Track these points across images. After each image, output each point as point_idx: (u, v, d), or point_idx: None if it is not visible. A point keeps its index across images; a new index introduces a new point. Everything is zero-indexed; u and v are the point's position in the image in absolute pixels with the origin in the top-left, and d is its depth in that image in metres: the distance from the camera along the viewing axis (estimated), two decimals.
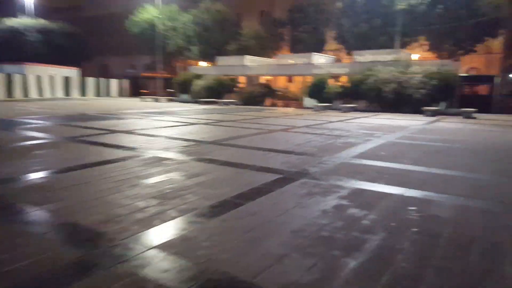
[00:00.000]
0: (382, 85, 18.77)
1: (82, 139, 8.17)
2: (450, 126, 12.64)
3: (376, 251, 2.81)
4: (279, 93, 26.66)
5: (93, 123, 11.65)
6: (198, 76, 26.73)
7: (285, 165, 5.84)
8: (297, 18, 28.16)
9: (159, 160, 6.00)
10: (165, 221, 3.30)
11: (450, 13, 20.95)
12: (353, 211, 3.78)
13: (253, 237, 3.02)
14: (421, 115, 17.00)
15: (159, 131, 9.96)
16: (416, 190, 4.53)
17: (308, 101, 22.37)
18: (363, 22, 22.55)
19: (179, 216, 3.43)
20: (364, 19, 22.52)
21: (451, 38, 22.51)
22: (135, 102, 27.17)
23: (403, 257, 2.72)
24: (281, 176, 5.16)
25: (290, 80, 33.51)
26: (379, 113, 18.41)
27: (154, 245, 2.79)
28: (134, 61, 47.26)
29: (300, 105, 23.20)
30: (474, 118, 16.15)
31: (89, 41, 42.02)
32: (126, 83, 37.00)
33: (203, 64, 32.42)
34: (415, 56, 25.49)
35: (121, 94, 36.08)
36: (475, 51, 24.80)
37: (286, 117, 16.01)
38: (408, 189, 4.60)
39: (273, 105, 24.79)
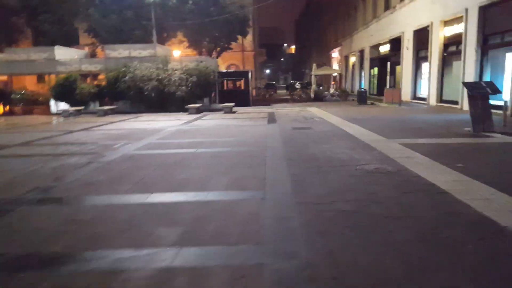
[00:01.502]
0: (141, 83, 17.05)
1: None
2: (208, 124, 12.10)
3: None
4: (19, 97, 20.79)
5: None
6: None
7: None
8: (34, 5, 22.77)
9: None
10: None
11: (200, 9, 21.19)
12: None
13: None
14: (186, 113, 16.27)
15: None
16: (97, 253, 2.76)
17: (58, 105, 18.31)
18: (113, 13, 20.07)
19: None
20: (114, 10, 20.08)
21: (207, 35, 23.06)
22: None
23: None
24: None
25: (43, 80, 27.30)
26: (142, 114, 16.63)
27: None
28: None
29: (47, 111, 18.74)
30: (234, 112, 16.60)
31: None
32: None
33: None
34: (177, 53, 25.06)
35: None
36: (230, 48, 26.51)
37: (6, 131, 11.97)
38: (85, 252, 2.79)
39: (10, 112, 19.18)
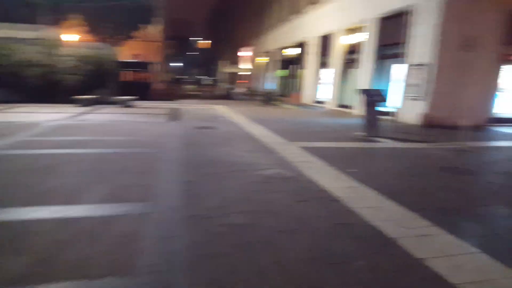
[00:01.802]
0: (24, 69, 14.69)
1: None
2: (99, 119, 10.86)
3: None
4: None
5: None
6: None
7: None
8: None
9: None
10: None
11: None
12: None
13: None
14: (75, 105, 14.45)
15: None
16: None
17: None
18: None
19: None
20: None
21: (108, 21, 21.02)
22: None
23: None
24: None
25: None
26: (22, 104, 14.30)
27: None
28: None
29: None
30: (133, 106, 15.34)
31: None
32: None
33: None
34: (74, 37, 22.39)
35: None
36: (132, 37, 24.64)
37: None
38: None
39: None
